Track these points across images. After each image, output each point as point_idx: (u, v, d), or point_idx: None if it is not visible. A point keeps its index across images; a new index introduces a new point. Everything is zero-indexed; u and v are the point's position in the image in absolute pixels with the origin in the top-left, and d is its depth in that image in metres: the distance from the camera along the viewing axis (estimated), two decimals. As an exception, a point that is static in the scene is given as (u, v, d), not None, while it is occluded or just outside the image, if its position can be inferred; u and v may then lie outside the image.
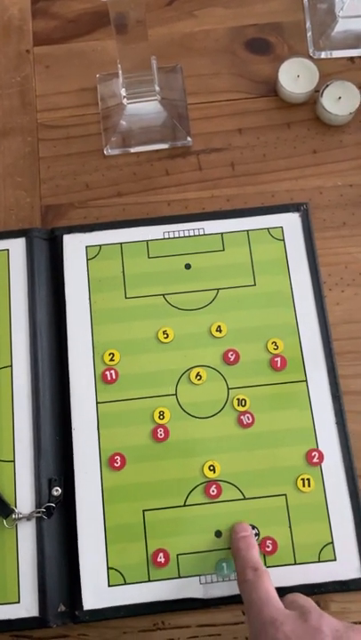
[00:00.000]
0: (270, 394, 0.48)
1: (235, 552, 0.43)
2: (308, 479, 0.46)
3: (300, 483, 0.46)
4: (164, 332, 0.49)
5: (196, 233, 0.52)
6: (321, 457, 0.46)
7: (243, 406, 0.47)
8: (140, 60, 0.49)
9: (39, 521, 0.45)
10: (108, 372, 0.48)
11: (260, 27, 0.58)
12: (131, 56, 0.49)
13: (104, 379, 0.48)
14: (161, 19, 0.58)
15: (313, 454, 0.46)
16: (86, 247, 0.51)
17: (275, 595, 0.39)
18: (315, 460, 0.46)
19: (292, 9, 0.59)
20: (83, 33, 0.58)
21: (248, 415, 0.47)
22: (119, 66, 0.51)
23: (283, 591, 0.44)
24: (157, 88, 0.53)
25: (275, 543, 0.45)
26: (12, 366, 0.48)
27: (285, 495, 0.45)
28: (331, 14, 0.58)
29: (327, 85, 0.54)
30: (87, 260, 0.51)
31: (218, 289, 0.50)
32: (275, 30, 0.58)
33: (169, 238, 0.52)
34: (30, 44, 0.58)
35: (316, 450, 0.46)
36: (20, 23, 0.59)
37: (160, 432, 0.47)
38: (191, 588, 0.44)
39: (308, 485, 0.46)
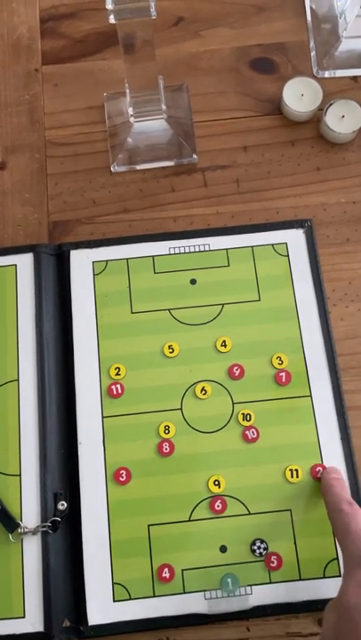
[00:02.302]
0: (275, 409, 0.48)
1: (327, 487, 0.43)
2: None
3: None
4: (170, 347, 0.49)
5: (202, 249, 0.52)
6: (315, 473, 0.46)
7: (248, 421, 0.48)
8: (147, 80, 0.50)
9: (45, 535, 0.45)
10: (113, 387, 0.48)
11: (264, 47, 0.59)
12: (138, 75, 0.50)
13: (110, 393, 0.48)
14: (168, 39, 0.60)
15: (317, 470, 0.46)
16: (93, 262, 0.52)
17: None
18: (319, 475, 0.46)
19: (296, 29, 0.60)
20: (90, 52, 0.60)
21: (253, 430, 0.47)
22: (127, 85, 0.52)
23: (289, 608, 0.44)
24: (164, 107, 0.54)
25: (280, 559, 0.45)
26: (18, 380, 0.48)
27: (290, 510, 0.46)
28: (334, 34, 0.59)
29: (331, 104, 0.55)
30: (94, 275, 0.51)
31: (223, 304, 0.51)
32: (279, 50, 0.59)
33: (175, 254, 0.52)
34: (39, 63, 0.59)
35: (321, 465, 0.46)
36: (30, 42, 0.60)
37: (165, 446, 0.47)
38: (196, 604, 0.44)
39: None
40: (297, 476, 0.46)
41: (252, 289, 0.51)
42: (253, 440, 0.47)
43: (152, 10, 0.41)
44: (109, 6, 0.41)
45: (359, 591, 0.35)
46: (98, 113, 0.57)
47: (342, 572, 0.38)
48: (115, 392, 0.48)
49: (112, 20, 0.42)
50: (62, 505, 0.45)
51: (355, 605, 0.35)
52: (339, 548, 0.45)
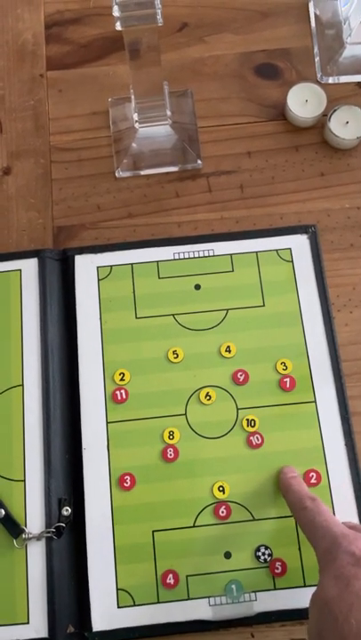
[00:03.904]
0: (279, 414, 0.48)
1: (286, 487, 0.44)
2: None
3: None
4: (174, 352, 0.49)
5: (206, 254, 0.52)
6: (319, 478, 0.46)
7: (252, 427, 0.48)
8: (152, 85, 0.50)
9: (49, 541, 0.45)
10: (118, 392, 0.48)
11: (269, 52, 0.60)
12: (143, 81, 0.50)
13: (114, 398, 0.48)
14: (172, 44, 0.60)
15: (311, 475, 0.46)
16: (97, 268, 0.52)
17: (337, 519, 0.40)
18: (312, 480, 0.46)
19: (300, 35, 0.60)
20: (95, 58, 0.60)
21: (257, 436, 0.47)
22: (132, 90, 0.52)
23: (293, 614, 0.44)
24: (169, 112, 0.54)
25: (284, 565, 0.45)
26: (23, 385, 0.48)
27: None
28: (338, 40, 0.59)
29: (335, 110, 0.55)
30: (98, 280, 0.51)
31: (227, 309, 0.51)
32: (283, 56, 0.59)
33: (179, 259, 0.52)
34: (44, 69, 0.59)
35: (314, 470, 0.46)
36: (34, 48, 0.60)
37: (170, 452, 0.47)
38: (200, 610, 0.44)
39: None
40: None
41: (256, 294, 0.51)
42: (258, 446, 0.47)
43: (158, 17, 0.41)
44: (116, 13, 0.41)
45: (335, 583, 0.35)
46: (102, 118, 0.58)
47: (318, 568, 0.38)
48: (119, 397, 0.48)
49: (118, 26, 0.42)
50: (67, 510, 0.45)
51: (332, 598, 0.35)
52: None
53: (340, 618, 0.34)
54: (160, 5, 0.41)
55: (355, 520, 0.46)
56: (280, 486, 0.45)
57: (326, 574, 0.36)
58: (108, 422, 0.48)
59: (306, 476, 0.46)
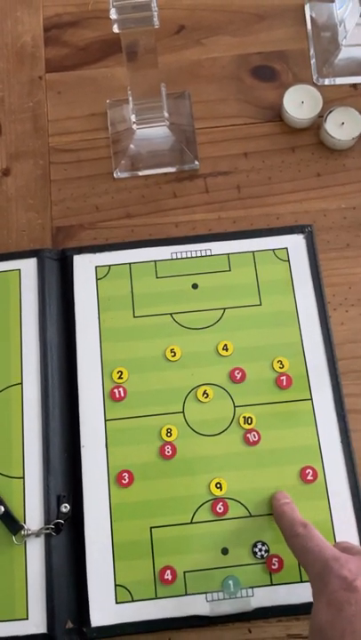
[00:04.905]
0: (276, 412, 0.49)
1: (279, 514, 0.44)
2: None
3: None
4: (172, 351, 0.50)
5: (203, 254, 0.53)
6: (315, 474, 0.47)
7: (249, 424, 0.48)
8: (149, 87, 0.51)
9: (48, 537, 0.45)
10: (116, 390, 0.49)
11: (265, 55, 0.60)
12: (141, 83, 0.50)
13: (112, 396, 0.49)
14: (170, 47, 0.60)
15: (307, 472, 0.47)
16: (96, 267, 0.52)
17: (329, 543, 0.39)
18: (308, 477, 0.47)
19: (296, 38, 0.60)
20: (93, 60, 0.60)
21: (254, 433, 0.48)
22: (129, 92, 0.53)
23: (290, 609, 0.44)
24: (166, 114, 0.55)
25: (281, 561, 0.45)
26: (22, 384, 0.49)
27: (291, 513, 0.46)
28: (334, 43, 0.59)
29: (331, 111, 0.56)
30: (97, 279, 0.52)
31: (224, 308, 0.51)
32: (280, 58, 0.60)
33: (176, 259, 0.53)
34: (43, 71, 0.60)
35: (310, 467, 0.47)
36: (33, 50, 0.61)
37: (167, 449, 0.47)
38: (198, 606, 0.44)
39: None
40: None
41: (253, 293, 0.52)
42: (255, 443, 0.48)
43: (155, 19, 0.42)
44: (113, 16, 0.42)
45: (327, 609, 0.35)
46: (101, 120, 0.58)
47: (312, 593, 0.37)
48: (117, 395, 0.49)
49: (116, 29, 0.43)
50: (65, 507, 0.46)
51: (325, 624, 0.35)
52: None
53: None
54: (156, 8, 0.42)
55: (351, 518, 0.46)
56: (273, 512, 0.45)
57: (319, 600, 0.36)
58: (106, 420, 0.48)
59: (302, 473, 0.47)
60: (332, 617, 0.35)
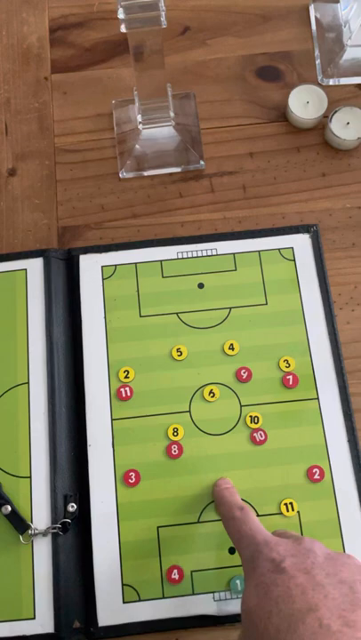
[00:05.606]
0: (282, 411, 0.49)
1: (219, 499, 0.43)
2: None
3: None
4: (178, 350, 0.50)
5: (209, 253, 0.53)
6: (322, 474, 0.47)
7: (255, 423, 0.48)
8: (156, 88, 0.51)
9: (55, 537, 0.45)
10: (122, 390, 0.49)
11: (270, 55, 0.60)
12: (147, 83, 0.50)
13: (119, 396, 0.49)
14: (175, 47, 0.61)
15: (314, 471, 0.47)
16: (102, 267, 0.52)
17: (263, 527, 0.39)
18: (315, 476, 0.47)
19: (301, 38, 0.61)
20: (98, 61, 0.61)
21: (261, 432, 0.48)
22: (135, 93, 0.53)
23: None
24: (172, 114, 0.55)
25: (288, 560, 0.45)
26: (28, 383, 0.49)
27: (298, 512, 0.46)
28: (339, 43, 0.60)
29: (336, 111, 0.56)
30: (103, 279, 0.52)
31: (230, 308, 0.51)
32: (285, 58, 0.60)
33: (182, 258, 0.53)
34: (48, 72, 0.60)
35: (317, 466, 0.47)
36: (39, 51, 0.61)
37: (174, 449, 0.47)
38: (205, 605, 0.44)
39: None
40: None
41: (259, 293, 0.52)
42: (261, 442, 0.48)
43: (162, 19, 0.42)
44: (121, 16, 0.42)
45: (255, 592, 0.35)
46: (106, 120, 0.58)
47: (243, 577, 0.37)
48: (124, 395, 0.49)
49: (123, 29, 0.43)
50: (72, 507, 0.46)
51: (253, 607, 0.34)
52: (347, 549, 0.45)
53: (260, 626, 0.33)
54: (164, 8, 0.42)
55: (358, 516, 0.46)
56: (214, 498, 0.45)
57: (249, 584, 0.36)
58: (112, 419, 0.48)
59: (309, 473, 0.47)
60: (259, 600, 0.34)
